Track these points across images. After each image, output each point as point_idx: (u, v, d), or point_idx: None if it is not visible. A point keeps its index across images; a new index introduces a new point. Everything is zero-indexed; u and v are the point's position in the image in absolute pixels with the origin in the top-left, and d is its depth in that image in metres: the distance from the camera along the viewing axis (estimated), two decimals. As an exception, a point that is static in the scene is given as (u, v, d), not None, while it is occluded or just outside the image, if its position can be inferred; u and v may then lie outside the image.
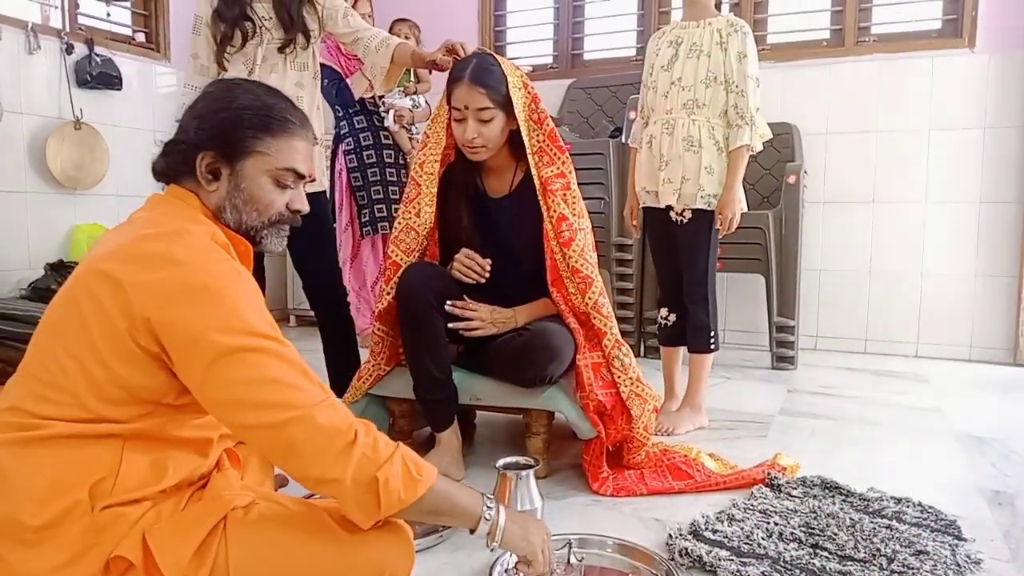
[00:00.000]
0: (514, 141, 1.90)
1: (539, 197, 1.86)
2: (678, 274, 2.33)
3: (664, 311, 2.41)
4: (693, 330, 2.32)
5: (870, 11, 3.61)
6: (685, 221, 2.25)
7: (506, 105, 1.82)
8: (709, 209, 2.22)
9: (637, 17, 4.08)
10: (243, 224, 1.09)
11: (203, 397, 0.94)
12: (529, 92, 1.88)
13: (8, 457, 0.92)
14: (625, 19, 4.13)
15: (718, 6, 2.30)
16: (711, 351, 2.32)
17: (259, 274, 2.25)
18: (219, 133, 1.06)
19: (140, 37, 3.91)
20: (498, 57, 1.88)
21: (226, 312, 0.93)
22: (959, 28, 3.43)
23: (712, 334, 2.31)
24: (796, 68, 3.67)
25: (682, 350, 2.43)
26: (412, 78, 3.56)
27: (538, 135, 1.88)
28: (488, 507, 1.06)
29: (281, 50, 2.12)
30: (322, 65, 3.21)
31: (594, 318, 1.85)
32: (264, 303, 1.01)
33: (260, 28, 2.10)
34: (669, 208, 2.26)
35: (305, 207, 1.15)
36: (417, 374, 1.87)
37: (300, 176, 1.12)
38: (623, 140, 3.36)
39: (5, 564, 0.90)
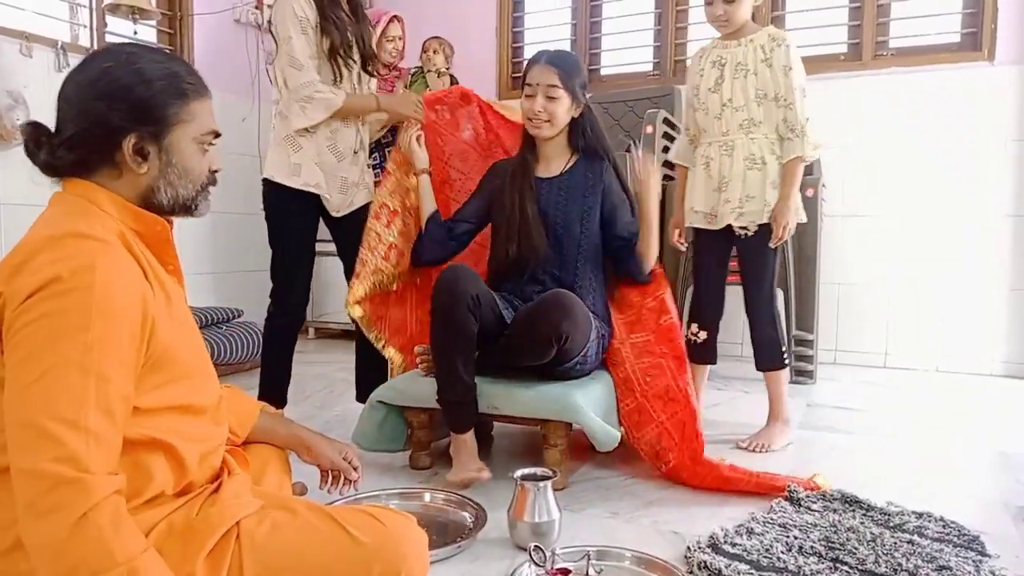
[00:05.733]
0: (572, 132, 2.10)
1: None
2: (721, 293, 2.32)
3: (695, 327, 2.38)
4: (763, 346, 2.27)
5: (888, 25, 3.61)
6: (750, 235, 2.22)
7: (574, 90, 2.02)
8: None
9: (654, 32, 4.10)
10: (179, 199, 1.05)
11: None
12: None
13: None
14: (642, 35, 4.15)
15: (755, 18, 2.27)
16: (785, 367, 2.29)
17: (307, 279, 2.32)
18: (140, 110, 0.98)
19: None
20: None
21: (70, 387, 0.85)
22: (978, 41, 3.42)
23: (784, 350, 2.27)
24: (813, 82, 3.60)
25: (708, 368, 2.42)
26: (425, 86, 3.60)
27: None
28: None
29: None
30: None
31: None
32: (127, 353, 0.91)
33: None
34: (728, 227, 2.24)
35: (221, 165, 1.12)
36: (446, 376, 1.88)
37: (218, 135, 1.09)
38: (638, 154, 3.37)
39: None
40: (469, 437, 1.91)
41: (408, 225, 2.25)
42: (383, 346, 2.24)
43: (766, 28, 2.24)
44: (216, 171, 1.10)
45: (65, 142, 0.98)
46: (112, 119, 0.97)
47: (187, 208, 1.07)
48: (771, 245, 2.21)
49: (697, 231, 2.35)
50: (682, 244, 2.46)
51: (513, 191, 2.09)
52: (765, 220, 2.19)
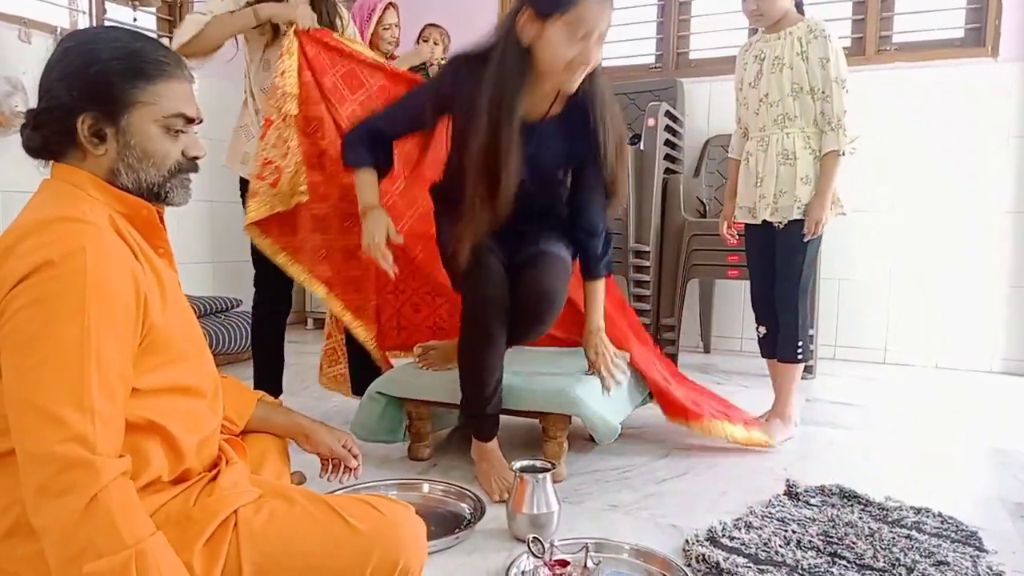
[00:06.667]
0: None
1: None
2: (770, 290, 2.31)
3: (760, 327, 2.39)
4: (781, 338, 2.28)
5: (891, 20, 3.59)
6: (783, 226, 2.22)
7: None
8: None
9: (656, 25, 4.08)
10: (143, 183, 1.01)
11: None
12: None
13: None
14: (644, 27, 4.13)
15: (799, 7, 2.22)
16: (798, 361, 2.29)
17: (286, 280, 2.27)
18: (93, 90, 0.97)
19: (164, 42, 3.96)
20: None
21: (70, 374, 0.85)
22: (982, 37, 3.40)
23: (799, 344, 2.27)
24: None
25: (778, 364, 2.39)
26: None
27: None
28: None
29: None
30: None
31: None
32: (126, 332, 0.91)
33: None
34: (766, 222, 2.24)
35: (202, 151, 1.07)
36: (479, 390, 1.83)
37: (189, 120, 1.05)
38: (641, 147, 3.37)
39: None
40: (495, 444, 1.88)
41: (283, 137, 2.05)
42: (305, 279, 2.13)
43: (806, 20, 2.19)
44: (195, 157, 1.06)
45: (31, 123, 0.99)
46: (66, 99, 0.97)
47: (155, 194, 1.03)
48: (805, 240, 2.20)
49: (747, 228, 2.36)
50: (731, 236, 2.45)
51: (497, 141, 1.68)
52: (796, 216, 2.18)
